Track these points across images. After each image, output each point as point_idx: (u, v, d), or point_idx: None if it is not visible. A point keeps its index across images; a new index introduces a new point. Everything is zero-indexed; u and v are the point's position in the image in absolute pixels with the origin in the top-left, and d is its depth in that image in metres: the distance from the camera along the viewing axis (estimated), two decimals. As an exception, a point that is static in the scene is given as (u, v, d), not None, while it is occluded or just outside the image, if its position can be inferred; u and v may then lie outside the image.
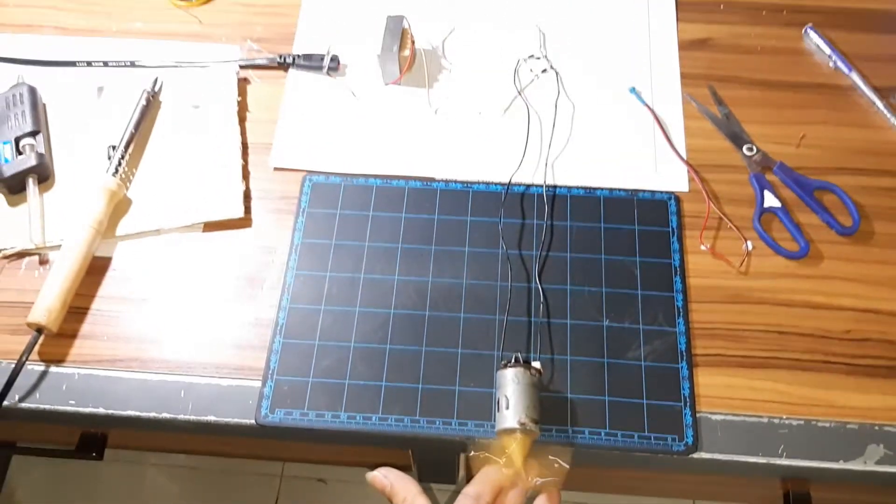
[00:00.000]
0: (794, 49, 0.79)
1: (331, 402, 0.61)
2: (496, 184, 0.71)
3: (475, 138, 0.74)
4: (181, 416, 0.61)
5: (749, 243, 0.67)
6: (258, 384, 0.62)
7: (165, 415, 0.61)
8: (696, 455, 0.59)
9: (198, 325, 0.65)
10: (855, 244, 0.68)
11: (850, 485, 0.67)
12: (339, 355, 0.63)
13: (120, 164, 0.70)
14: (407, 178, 0.71)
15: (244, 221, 0.70)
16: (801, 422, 0.60)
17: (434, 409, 0.61)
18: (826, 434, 0.60)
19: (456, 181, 0.71)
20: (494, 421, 0.59)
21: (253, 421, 0.61)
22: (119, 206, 0.70)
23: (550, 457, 0.58)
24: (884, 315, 0.64)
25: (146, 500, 1.45)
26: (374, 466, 0.57)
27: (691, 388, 0.62)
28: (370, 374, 0.62)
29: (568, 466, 0.57)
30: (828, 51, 0.78)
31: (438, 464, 0.67)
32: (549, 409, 0.60)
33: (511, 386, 0.58)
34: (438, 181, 0.71)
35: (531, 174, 0.71)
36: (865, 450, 0.59)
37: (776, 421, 0.60)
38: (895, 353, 0.63)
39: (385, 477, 0.57)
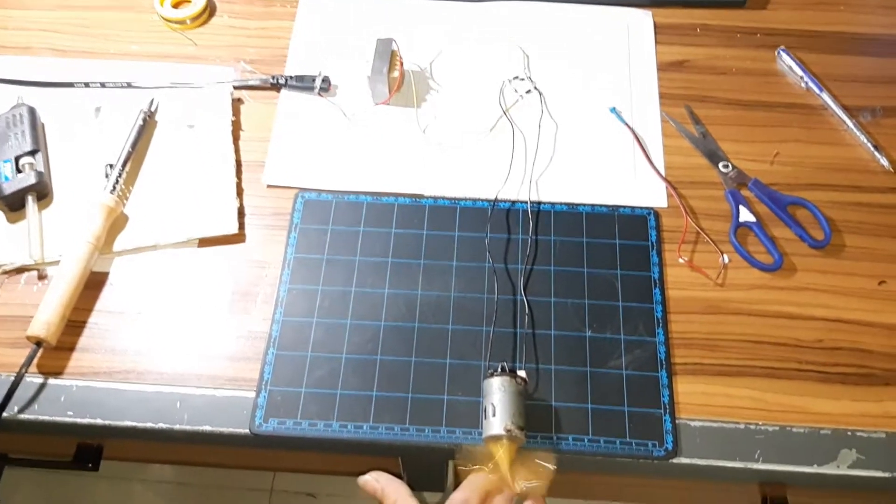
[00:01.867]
0: (768, 70, 0.83)
1: (323, 412, 0.63)
2: (483, 200, 0.74)
3: (462, 156, 0.77)
4: (177, 427, 0.63)
5: (725, 256, 0.70)
6: (252, 395, 0.64)
7: (161, 425, 0.63)
8: (675, 460, 0.62)
9: (192, 338, 0.67)
10: (826, 257, 0.71)
11: (824, 489, 0.70)
12: (331, 366, 0.65)
13: (117, 181, 0.72)
14: (396, 195, 0.74)
15: (238, 237, 0.72)
16: (777, 428, 0.63)
17: (423, 418, 0.63)
18: (800, 439, 0.62)
19: (444, 198, 0.74)
20: (481, 428, 0.61)
21: (247, 430, 0.63)
22: (116, 223, 0.72)
23: (536, 462, 0.60)
24: (854, 325, 0.67)
25: None
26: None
27: (671, 395, 0.64)
28: (361, 384, 0.64)
29: (553, 471, 0.60)
30: (800, 72, 0.81)
31: (427, 471, 0.69)
32: (534, 417, 0.62)
33: (497, 394, 0.60)
34: (427, 198, 0.74)
35: (516, 191, 0.74)
36: (839, 454, 0.62)
37: (752, 427, 0.63)
38: (866, 361, 0.66)
39: (376, 480, 0.59)
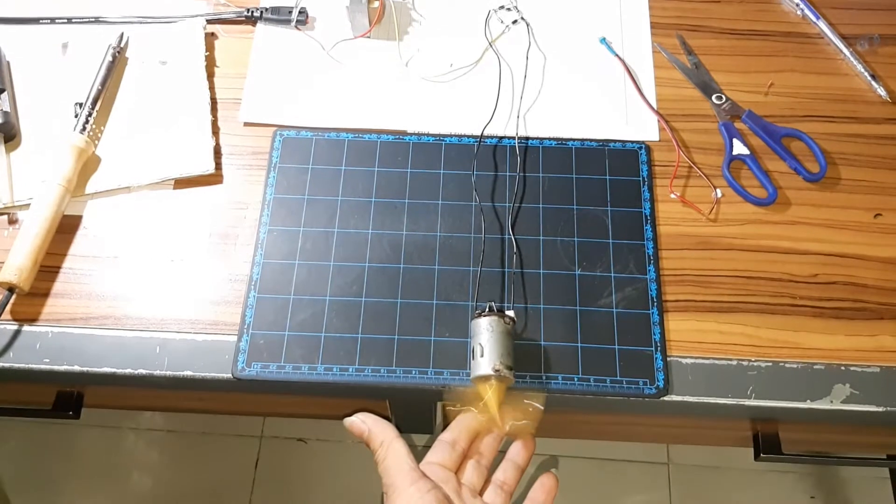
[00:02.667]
0: (763, -3, 0.80)
1: (307, 355, 0.62)
2: (468, 136, 0.71)
3: (446, 91, 0.74)
4: (157, 372, 0.62)
5: (718, 191, 0.68)
6: (234, 339, 0.63)
7: (141, 371, 0.62)
8: (667, 398, 0.61)
9: (171, 282, 0.65)
10: (822, 190, 0.69)
11: (817, 424, 0.69)
12: (315, 309, 0.64)
13: (87, 121, 0.69)
14: (379, 132, 0.71)
15: (215, 177, 0.69)
16: (770, 363, 0.62)
17: (410, 360, 0.62)
18: (793, 375, 0.61)
19: (428, 134, 0.71)
20: (469, 369, 0.60)
21: (229, 375, 0.61)
22: (88, 164, 0.69)
23: (525, 402, 0.59)
24: (849, 259, 0.66)
25: (125, 464, 1.45)
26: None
27: (662, 333, 0.63)
28: (346, 327, 0.63)
29: (542, 410, 0.59)
30: (796, -1, 0.78)
31: (415, 413, 0.68)
32: (522, 357, 0.61)
33: (485, 334, 0.58)
34: (410, 134, 0.71)
35: (503, 126, 0.71)
36: (832, 389, 0.61)
37: (745, 363, 0.62)
38: (860, 296, 0.64)
39: (363, 422, 0.58)
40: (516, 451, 0.61)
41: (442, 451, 0.58)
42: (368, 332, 0.63)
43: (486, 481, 0.59)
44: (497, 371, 0.57)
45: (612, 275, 0.65)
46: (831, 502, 1.40)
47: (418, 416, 0.65)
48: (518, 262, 0.65)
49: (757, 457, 0.69)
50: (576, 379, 0.61)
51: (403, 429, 0.65)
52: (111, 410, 1.47)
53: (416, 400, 0.66)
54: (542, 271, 0.65)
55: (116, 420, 1.49)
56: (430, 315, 0.63)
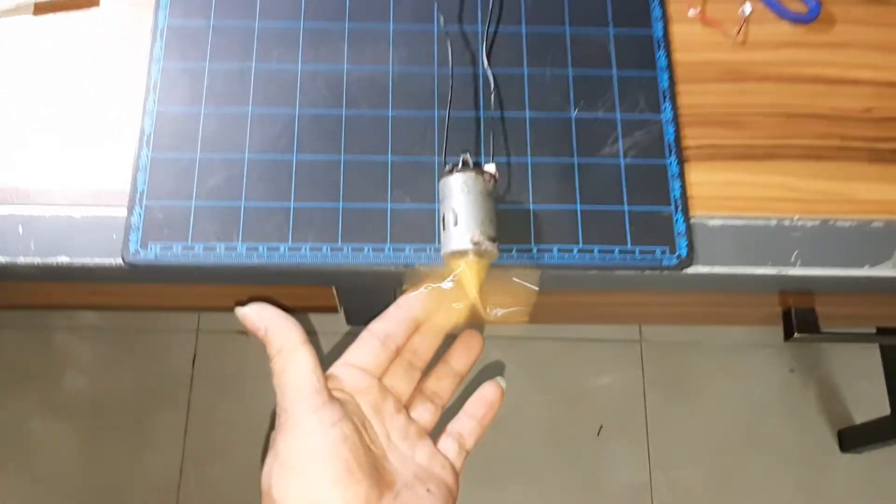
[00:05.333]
0: None
1: (223, 231, 0.47)
2: (424, -59, 0.54)
3: None
4: (22, 260, 0.46)
5: (747, 5, 0.53)
6: (123, 213, 0.47)
7: (0, 258, 0.46)
8: (691, 269, 0.47)
9: (34, 139, 0.48)
10: (874, 3, 0.54)
11: (865, 296, 0.57)
12: (230, 171, 0.48)
13: None
14: (306, -63, 0.54)
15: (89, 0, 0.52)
16: (817, 222, 0.49)
17: (360, 234, 0.47)
18: (846, 235, 0.49)
19: (371, -61, 0.54)
20: (439, 243, 0.45)
21: (120, 260, 0.46)
22: None
23: (513, 282, 0.45)
24: (911, 88, 0.52)
25: (58, 365, 1.31)
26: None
27: (682, 187, 0.49)
28: (273, 193, 0.48)
29: (535, 292, 0.45)
30: None
31: (371, 303, 0.54)
32: (507, 224, 0.47)
33: (459, 197, 0.44)
34: (348, -60, 0.54)
35: (469, -73, 0.55)
36: (895, 252, 0.48)
37: (787, 223, 0.49)
38: (923, 135, 0.51)
39: (259, 316, 0.43)
40: (456, 354, 0.47)
41: (368, 348, 0.44)
42: (304, 199, 0.47)
43: (417, 389, 0.46)
44: (476, 244, 0.43)
45: (618, 115, 0.50)
46: (812, 374, 1.34)
47: (375, 306, 0.51)
48: (497, 102, 0.50)
49: (789, 336, 0.58)
50: (575, 250, 0.47)
51: (357, 321, 0.51)
52: (44, 311, 1.35)
53: (372, 286, 0.52)
54: (527, 114, 0.50)
55: (41, 320, 1.33)
56: (385, 175, 0.48)
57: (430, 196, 0.48)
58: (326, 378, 0.42)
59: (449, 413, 0.48)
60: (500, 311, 0.45)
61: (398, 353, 0.45)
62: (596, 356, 1.34)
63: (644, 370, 1.34)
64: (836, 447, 1.30)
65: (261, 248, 0.46)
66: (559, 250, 0.47)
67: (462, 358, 0.47)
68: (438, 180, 0.47)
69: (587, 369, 1.34)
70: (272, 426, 0.40)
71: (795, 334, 0.56)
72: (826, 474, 1.28)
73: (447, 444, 0.45)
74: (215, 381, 1.29)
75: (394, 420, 0.44)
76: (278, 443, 0.39)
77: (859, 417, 1.30)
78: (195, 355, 1.31)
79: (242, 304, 0.43)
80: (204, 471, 1.25)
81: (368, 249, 0.47)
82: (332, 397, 0.40)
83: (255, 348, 1.29)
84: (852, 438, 1.27)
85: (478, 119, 0.50)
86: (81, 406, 1.29)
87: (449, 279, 0.44)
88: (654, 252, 0.47)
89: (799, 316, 0.57)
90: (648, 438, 1.30)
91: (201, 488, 1.25)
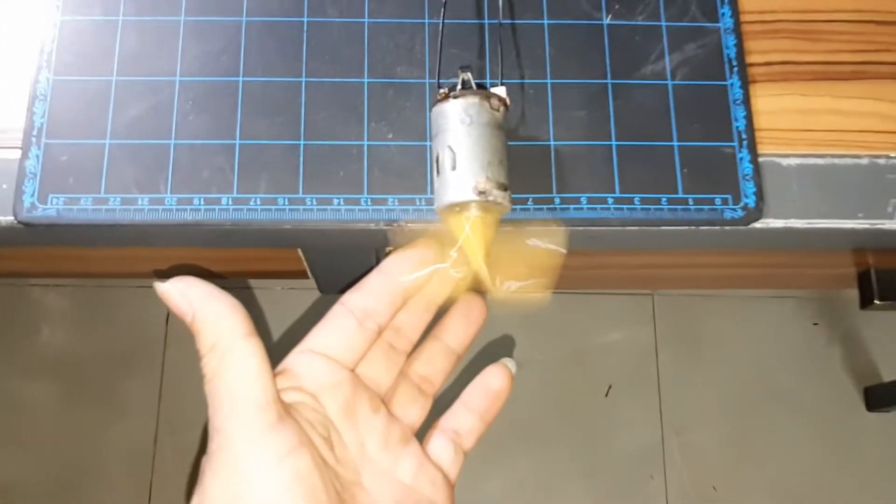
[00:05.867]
0: None
1: (147, 179, 0.35)
2: None
3: None
4: None
5: None
6: (16, 155, 0.36)
7: None
8: (760, 224, 0.36)
9: None
10: None
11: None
12: (157, 98, 0.36)
13: None
14: None
15: None
16: (921, 160, 0.38)
17: (328, 181, 0.36)
18: (960, 177, 0.38)
19: None
20: (433, 193, 0.34)
21: (11, 218, 0.35)
22: None
23: (532, 243, 0.34)
24: None
25: (30, 322, 1.22)
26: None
27: (748, 117, 0.38)
28: (213, 128, 0.36)
29: (563, 255, 0.34)
30: None
31: (346, 270, 0.43)
32: (522, 168, 0.36)
33: (458, 130, 0.33)
34: None
35: None
36: None
37: (881, 162, 0.38)
38: None
39: (184, 298, 0.32)
40: (452, 326, 0.37)
41: (340, 328, 0.34)
42: (253, 135, 0.36)
43: (402, 374, 0.36)
44: (483, 193, 0.32)
45: (663, 23, 0.39)
46: (837, 328, 1.24)
47: (350, 272, 0.40)
48: (506, 6, 0.38)
49: (867, 303, 0.47)
50: (610, 201, 0.36)
51: (329, 289, 0.40)
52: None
53: (346, 248, 0.41)
54: (546, 21, 0.38)
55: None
56: (360, 103, 0.37)
57: (420, 131, 0.36)
58: (279, 376, 0.31)
59: (441, 401, 0.37)
60: (512, 284, 0.34)
61: (379, 334, 0.34)
62: (603, 310, 1.24)
63: (656, 325, 1.24)
64: (863, 406, 1.20)
65: (196, 202, 0.35)
66: (589, 201, 0.36)
67: (459, 332, 0.37)
68: (430, 109, 0.35)
69: (594, 325, 1.24)
70: (202, 448, 0.30)
71: (876, 301, 0.46)
72: (851, 435, 1.19)
73: (440, 446, 0.35)
74: (191, 341, 1.19)
75: (370, 423, 0.33)
76: (207, 480, 0.28)
77: (887, 375, 1.21)
78: (168, 313, 1.20)
79: (163, 274, 0.32)
80: (181, 439, 1.16)
81: (339, 202, 0.35)
82: (283, 414, 0.29)
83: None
84: (880, 397, 1.18)
85: (482, 27, 0.38)
86: (52, 366, 1.20)
87: (450, 242, 0.33)
88: (712, 202, 0.36)
89: (881, 279, 0.46)
90: (660, 398, 1.21)
91: (177, 457, 1.16)
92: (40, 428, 1.18)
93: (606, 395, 1.20)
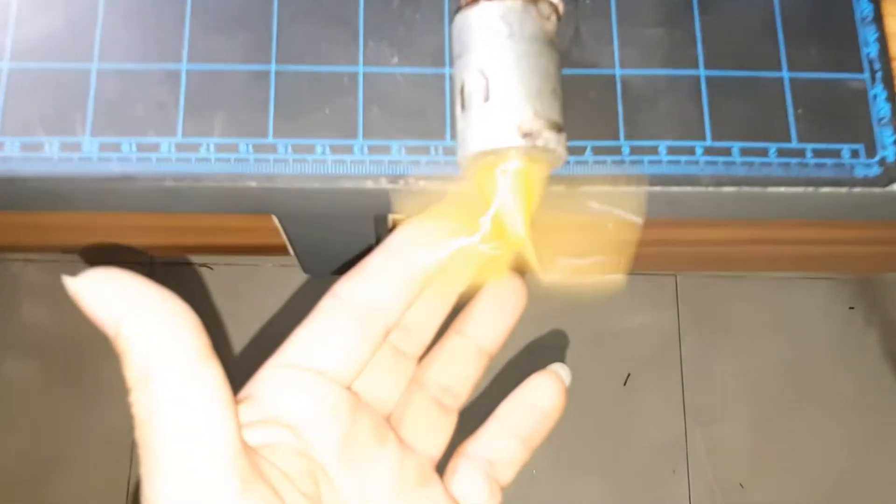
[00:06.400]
0: None
1: (57, 118, 0.25)
2: None
3: None
4: None
5: None
6: None
7: None
8: (901, 185, 0.27)
9: None
10: None
11: None
12: (74, 6, 0.26)
13: None
14: None
15: None
16: None
17: (308, 122, 0.26)
18: None
19: None
20: (454, 138, 0.24)
21: None
22: None
23: (594, 207, 0.25)
24: None
25: (18, 298, 1.13)
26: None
27: (881, 39, 0.28)
28: (150, 48, 0.26)
29: (640, 225, 0.24)
30: None
31: (336, 244, 0.33)
32: (576, 107, 0.26)
33: (493, 46, 0.23)
34: None
35: None
36: None
37: None
38: None
39: (101, 300, 0.22)
40: (481, 318, 0.26)
41: (335, 332, 0.23)
42: (205, 58, 0.26)
43: (415, 382, 0.26)
44: (528, 135, 0.22)
45: (767, -87, 0.29)
46: (875, 312, 1.15)
47: (344, 252, 0.30)
48: None
49: None
50: (699, 151, 0.26)
51: (314, 270, 0.31)
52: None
53: (335, 215, 0.31)
54: None
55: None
56: (353, 14, 0.27)
57: (437, 52, 0.26)
58: (245, 403, 0.22)
59: (468, 417, 0.28)
60: (570, 262, 0.24)
61: (387, 336, 0.24)
62: (622, 293, 1.15)
63: (679, 308, 1.15)
64: (902, 396, 1.12)
65: (126, 148, 0.25)
66: (670, 151, 0.26)
67: (491, 325, 0.27)
68: (452, 20, 0.25)
69: (612, 308, 1.15)
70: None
71: None
72: (888, 427, 1.11)
73: (469, 482, 0.25)
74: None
75: (376, 460, 0.23)
76: None
77: (930, 362, 1.12)
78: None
79: (92, 255, 0.22)
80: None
81: (323, 150, 0.25)
82: (249, 477, 0.19)
83: (215, 280, 1.11)
84: (921, 387, 1.10)
85: (520, -83, 0.28)
86: (31, 345, 1.12)
87: (481, 207, 0.23)
88: (838, 153, 0.26)
89: None
90: (683, 388, 1.12)
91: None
92: (17, 409, 1.10)
93: (625, 383, 1.11)
